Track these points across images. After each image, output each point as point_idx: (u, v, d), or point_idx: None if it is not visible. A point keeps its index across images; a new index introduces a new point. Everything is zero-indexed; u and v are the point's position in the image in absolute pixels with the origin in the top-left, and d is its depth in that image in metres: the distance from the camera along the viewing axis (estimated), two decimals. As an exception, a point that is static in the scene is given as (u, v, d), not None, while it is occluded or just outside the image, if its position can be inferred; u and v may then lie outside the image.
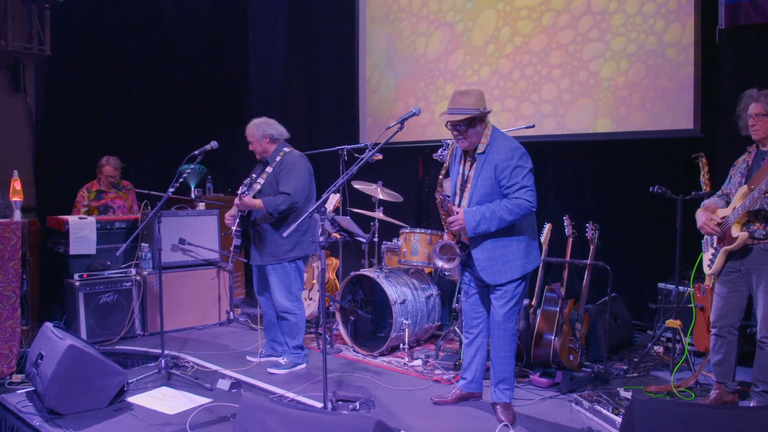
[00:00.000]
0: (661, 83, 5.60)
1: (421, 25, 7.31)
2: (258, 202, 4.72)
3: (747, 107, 3.91)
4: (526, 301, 4.96)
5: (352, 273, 5.50)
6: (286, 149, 4.91)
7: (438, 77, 7.13)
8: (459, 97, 3.85)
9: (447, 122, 3.85)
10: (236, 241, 4.89)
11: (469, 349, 4.20)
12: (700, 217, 4.02)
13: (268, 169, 4.81)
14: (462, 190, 3.95)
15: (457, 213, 3.86)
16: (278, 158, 4.85)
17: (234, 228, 4.88)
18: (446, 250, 4.03)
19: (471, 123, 3.81)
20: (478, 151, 3.87)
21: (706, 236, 4.10)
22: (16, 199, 4.95)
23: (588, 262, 4.87)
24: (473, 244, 3.92)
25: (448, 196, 3.99)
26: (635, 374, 4.75)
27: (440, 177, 4.00)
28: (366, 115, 7.98)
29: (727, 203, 4.03)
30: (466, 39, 6.85)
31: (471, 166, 3.91)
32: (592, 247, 4.88)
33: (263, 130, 4.88)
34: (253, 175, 4.88)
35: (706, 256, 4.11)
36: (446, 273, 5.40)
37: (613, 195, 6.12)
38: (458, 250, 3.98)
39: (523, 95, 6.46)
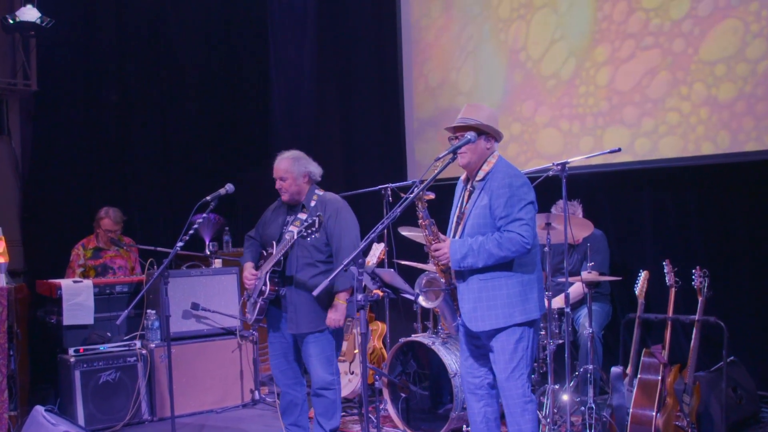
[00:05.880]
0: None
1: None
2: (340, 303, 4.84)
3: None
4: (618, 369, 4.97)
5: (402, 340, 5.59)
6: (318, 191, 5.04)
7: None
8: (469, 109, 4.19)
9: (449, 136, 4.21)
10: (260, 309, 5.01)
11: (473, 419, 4.34)
12: None
13: (302, 216, 4.89)
14: (458, 225, 4.19)
15: (443, 241, 4.09)
16: (313, 203, 4.98)
17: (266, 288, 4.92)
18: (432, 284, 4.19)
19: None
20: (478, 178, 4.13)
21: None
22: (1, 261, 5.20)
23: (696, 317, 4.87)
24: (459, 279, 4.12)
25: (434, 222, 4.16)
26: (763, 459, 4.70)
27: (423, 194, 4.13)
28: (414, 147, 8.15)
29: None
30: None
31: (469, 197, 4.18)
32: (701, 299, 4.88)
33: (304, 167, 4.99)
34: (290, 228, 4.87)
35: None
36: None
37: (727, 233, 6.08)
38: (443, 285, 4.17)
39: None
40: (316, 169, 5.05)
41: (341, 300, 4.83)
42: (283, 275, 4.95)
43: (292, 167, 4.97)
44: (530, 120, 7.05)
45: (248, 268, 5.08)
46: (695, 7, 5.93)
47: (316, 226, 4.65)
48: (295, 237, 4.75)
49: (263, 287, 4.93)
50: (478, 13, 7.52)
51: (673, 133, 6.12)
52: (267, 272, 4.91)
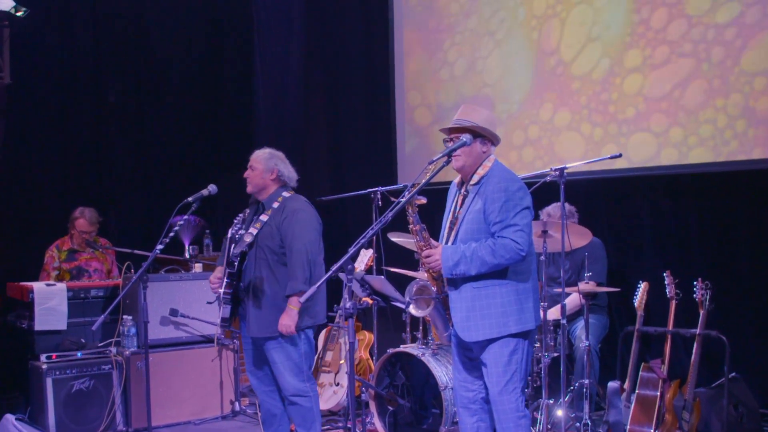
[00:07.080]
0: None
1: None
2: (292, 308, 4.78)
3: None
4: (616, 384, 4.98)
5: (390, 350, 5.60)
6: (285, 194, 5.08)
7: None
8: (466, 110, 4.17)
9: (444, 138, 4.20)
10: (224, 311, 4.94)
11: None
12: None
13: (263, 218, 4.96)
14: (450, 230, 4.19)
15: (435, 247, 4.09)
16: (276, 204, 5.02)
17: (222, 291, 4.92)
18: (422, 292, 4.19)
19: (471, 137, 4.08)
20: (472, 182, 4.13)
21: None
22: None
23: (697, 331, 4.89)
24: (452, 287, 4.12)
25: (425, 227, 4.16)
26: (765, 479, 4.71)
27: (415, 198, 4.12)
28: (404, 149, 8.16)
29: None
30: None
31: (462, 201, 4.17)
32: (702, 312, 4.90)
33: (274, 164, 5.05)
34: (237, 224, 5.01)
35: None
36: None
37: (730, 244, 6.11)
38: (434, 293, 4.17)
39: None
40: (287, 172, 5.11)
41: (292, 305, 4.77)
42: (239, 277, 4.99)
43: (264, 159, 5.07)
44: (549, 123, 6.94)
45: (216, 271, 5.11)
46: (744, 12, 5.77)
47: (226, 243, 4.91)
48: (228, 248, 4.91)
49: (223, 291, 4.94)
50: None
51: (704, 145, 5.99)
52: (224, 276, 4.95)
